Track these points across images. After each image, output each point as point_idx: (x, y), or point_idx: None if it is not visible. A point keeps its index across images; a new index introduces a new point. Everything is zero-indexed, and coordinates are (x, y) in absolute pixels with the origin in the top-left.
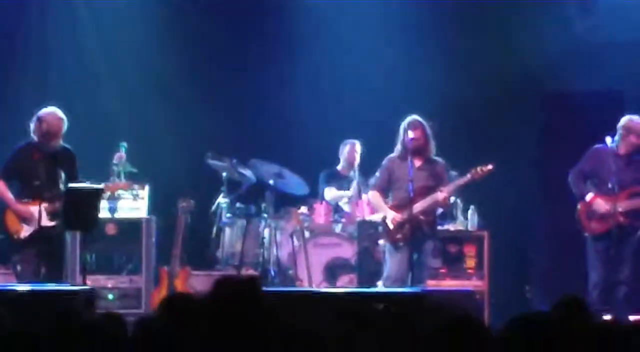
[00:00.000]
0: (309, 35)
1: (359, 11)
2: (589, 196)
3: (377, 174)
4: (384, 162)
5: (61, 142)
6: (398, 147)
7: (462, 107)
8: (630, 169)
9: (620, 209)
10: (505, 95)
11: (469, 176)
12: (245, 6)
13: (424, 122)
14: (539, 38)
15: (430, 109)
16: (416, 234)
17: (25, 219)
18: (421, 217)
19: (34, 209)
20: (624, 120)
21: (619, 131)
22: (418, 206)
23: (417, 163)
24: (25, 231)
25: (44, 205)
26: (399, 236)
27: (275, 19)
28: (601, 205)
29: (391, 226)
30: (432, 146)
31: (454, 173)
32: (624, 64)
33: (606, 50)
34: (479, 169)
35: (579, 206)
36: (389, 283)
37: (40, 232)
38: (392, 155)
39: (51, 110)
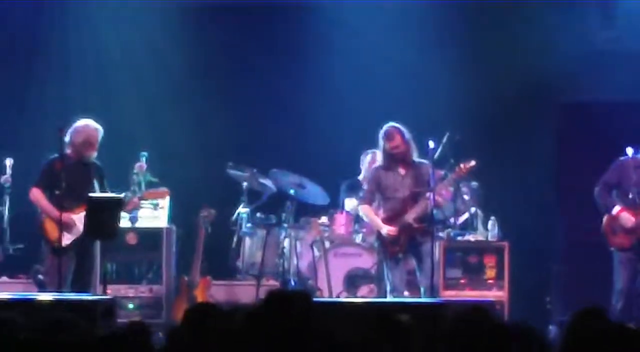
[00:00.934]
0: (330, 43)
1: (377, 16)
2: (615, 210)
3: (364, 186)
4: (369, 173)
5: (96, 153)
6: (379, 156)
7: (480, 117)
8: None
9: None
10: (523, 104)
11: (453, 175)
12: (264, 14)
13: (401, 128)
14: (558, 47)
15: (448, 118)
16: (412, 243)
17: (65, 226)
18: (415, 225)
19: (74, 217)
20: None
21: None
22: (410, 215)
23: (402, 171)
24: (67, 239)
25: (83, 214)
26: (396, 248)
27: (294, 26)
28: (628, 219)
29: (386, 240)
30: (413, 149)
31: (474, 183)
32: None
33: (625, 61)
34: (462, 166)
35: (604, 219)
36: (396, 296)
37: (79, 242)
38: (376, 165)
39: (87, 121)
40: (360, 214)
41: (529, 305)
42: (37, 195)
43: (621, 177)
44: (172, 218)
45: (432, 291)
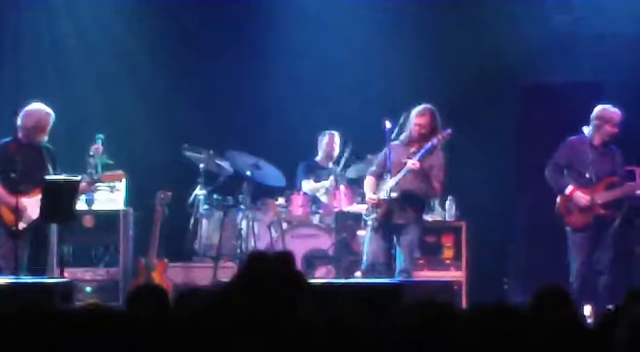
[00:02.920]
0: (286, 25)
1: (338, 6)
2: (568, 189)
3: (377, 159)
4: (385, 148)
5: (46, 137)
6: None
7: (439, 99)
8: (606, 159)
9: (599, 201)
10: (482, 86)
11: (430, 142)
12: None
13: (435, 113)
14: (517, 30)
15: (407, 100)
16: (391, 218)
17: (20, 210)
18: (393, 194)
19: (29, 200)
20: (597, 110)
21: (593, 121)
22: (392, 183)
23: (412, 148)
24: (22, 223)
25: (38, 197)
26: (372, 215)
27: (252, 8)
28: (581, 198)
29: (367, 209)
30: (437, 129)
31: None
32: (603, 55)
33: (584, 42)
34: (439, 135)
35: (558, 199)
36: (365, 269)
37: (33, 226)
38: (394, 141)
39: (38, 106)
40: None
41: (487, 285)
42: None
43: (572, 157)
44: (128, 200)
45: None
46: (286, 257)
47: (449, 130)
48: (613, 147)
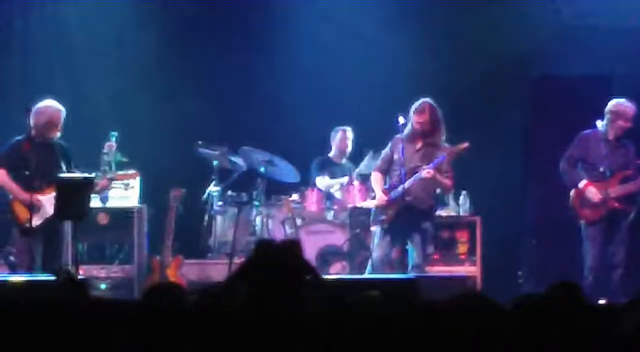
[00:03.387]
0: (299, 20)
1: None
2: (582, 183)
3: (382, 154)
4: (390, 143)
5: (59, 133)
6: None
7: (450, 92)
8: (620, 153)
9: (612, 195)
10: (492, 79)
11: (445, 154)
12: None
13: (433, 106)
14: (527, 23)
15: (417, 93)
16: (402, 218)
17: (33, 207)
18: (407, 198)
19: (43, 198)
20: (611, 104)
21: (607, 115)
22: (405, 186)
23: (417, 145)
24: (36, 220)
25: (53, 195)
26: (382, 217)
27: (265, 4)
28: (594, 193)
29: (377, 208)
30: (441, 130)
31: None
32: (612, 48)
33: (594, 35)
34: (454, 147)
35: (572, 193)
36: (374, 268)
37: (48, 223)
38: (398, 136)
39: (49, 103)
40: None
41: (501, 280)
42: (2, 177)
43: (587, 151)
44: (142, 198)
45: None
46: (293, 244)
47: (466, 144)
48: (626, 141)
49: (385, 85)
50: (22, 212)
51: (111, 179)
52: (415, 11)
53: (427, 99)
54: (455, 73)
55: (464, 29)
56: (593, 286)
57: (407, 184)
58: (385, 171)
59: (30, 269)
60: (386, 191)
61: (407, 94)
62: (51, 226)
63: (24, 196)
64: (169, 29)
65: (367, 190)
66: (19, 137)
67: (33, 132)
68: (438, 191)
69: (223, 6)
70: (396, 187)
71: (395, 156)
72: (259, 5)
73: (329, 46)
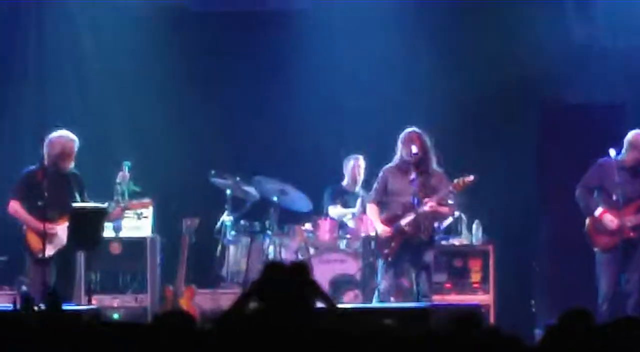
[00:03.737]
0: (312, 46)
1: (358, 16)
2: (598, 211)
3: (375, 185)
4: (381, 173)
5: (73, 163)
6: (396, 159)
7: (462, 118)
8: (636, 182)
9: (629, 224)
10: (504, 104)
11: (450, 187)
12: (246, 19)
13: (422, 135)
14: (539, 46)
15: (431, 120)
16: (406, 249)
17: (46, 237)
18: (406, 229)
19: (56, 227)
20: (630, 134)
21: (625, 144)
22: (404, 220)
23: (412, 175)
24: (50, 250)
25: (66, 225)
26: (386, 251)
27: (276, 30)
28: (610, 221)
29: (379, 240)
30: (432, 157)
31: None
32: (625, 73)
33: (606, 59)
34: (460, 180)
35: (587, 221)
36: (382, 299)
37: (61, 252)
38: (389, 166)
39: (63, 133)
40: (367, 211)
41: (515, 308)
42: (15, 207)
43: (602, 179)
44: (155, 227)
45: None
46: (301, 266)
47: (472, 178)
48: None
49: (398, 112)
50: (35, 242)
51: (125, 208)
52: (427, 35)
53: (414, 128)
54: (467, 98)
55: (477, 51)
56: (608, 314)
57: (408, 218)
58: (380, 203)
59: (43, 299)
60: (386, 223)
61: (419, 118)
62: (64, 255)
63: (38, 225)
64: (182, 57)
65: None
66: (32, 167)
67: (46, 162)
68: (436, 223)
69: (237, 32)
70: (396, 219)
71: (389, 187)
72: (272, 31)
73: (341, 72)
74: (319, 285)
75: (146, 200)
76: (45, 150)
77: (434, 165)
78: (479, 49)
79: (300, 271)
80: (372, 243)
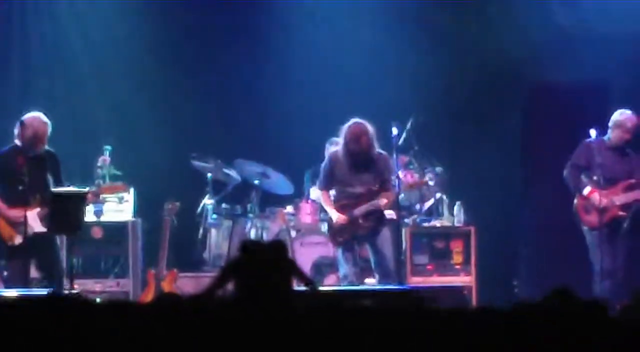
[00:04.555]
0: (292, 32)
1: (345, 5)
2: (586, 190)
3: (322, 171)
4: (327, 160)
5: (46, 146)
6: (339, 148)
7: (445, 100)
8: (623, 161)
9: (617, 203)
10: (488, 87)
11: (405, 187)
12: (227, 4)
13: (367, 127)
14: (523, 29)
15: (413, 101)
16: (358, 236)
17: (17, 224)
18: (360, 221)
19: (27, 213)
20: (615, 114)
21: (611, 124)
22: (360, 210)
23: (360, 167)
24: (19, 238)
25: (37, 210)
26: (340, 239)
27: (259, 15)
28: (599, 199)
29: (333, 229)
30: (375, 146)
31: (439, 169)
32: (609, 55)
33: (590, 42)
34: (417, 180)
35: (576, 200)
36: (346, 283)
37: (33, 238)
38: (334, 152)
39: (36, 115)
40: (317, 196)
41: (497, 289)
42: None
43: (589, 158)
44: (137, 211)
45: (400, 277)
46: (279, 245)
47: (425, 179)
48: (630, 150)
49: (380, 93)
50: (4, 229)
51: (96, 193)
52: (412, 19)
53: (356, 121)
54: (450, 81)
55: (461, 36)
56: (610, 292)
57: (363, 209)
58: (328, 189)
59: (25, 285)
60: (340, 210)
61: (401, 102)
62: (41, 240)
63: (8, 212)
64: (164, 42)
65: None
66: (4, 150)
67: (20, 144)
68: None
69: (219, 17)
70: (347, 209)
71: (338, 176)
72: (254, 15)
73: (323, 55)
74: (297, 264)
75: (119, 183)
76: (17, 131)
77: (376, 149)
78: (463, 33)
79: (278, 249)
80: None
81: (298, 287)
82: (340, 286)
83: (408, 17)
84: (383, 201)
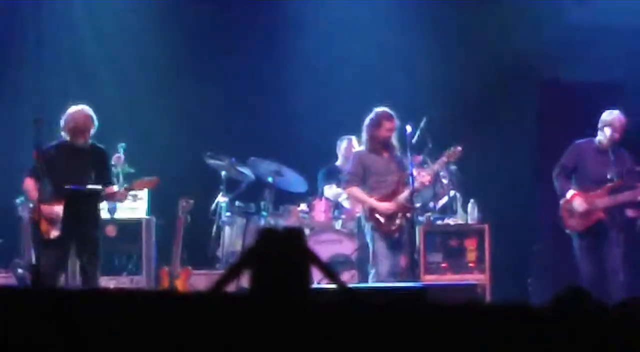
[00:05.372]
0: (306, 30)
1: (357, 2)
2: (569, 193)
3: (350, 169)
4: (354, 157)
5: (89, 140)
6: (355, 143)
7: (459, 98)
8: (611, 163)
9: (600, 205)
10: (502, 85)
11: (444, 158)
12: (244, 2)
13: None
14: (536, 26)
15: (427, 100)
16: (407, 225)
17: (51, 219)
18: (408, 205)
19: (59, 209)
20: (605, 114)
21: (600, 125)
22: (403, 196)
23: (385, 155)
24: (55, 232)
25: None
26: (393, 227)
27: (274, 13)
28: (579, 203)
29: (382, 219)
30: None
31: (453, 167)
32: (623, 53)
33: (604, 39)
34: (451, 151)
35: (561, 203)
36: (383, 278)
37: (71, 233)
38: (358, 149)
39: (78, 108)
40: (347, 196)
41: (511, 287)
42: (27, 186)
43: (578, 160)
44: (151, 209)
45: (414, 276)
46: (297, 232)
47: (459, 148)
48: (620, 150)
49: (394, 92)
50: (42, 223)
51: (129, 189)
52: (426, 17)
53: (385, 108)
54: (464, 79)
55: (474, 33)
56: (613, 291)
57: (407, 193)
58: (360, 185)
59: (54, 282)
60: (384, 199)
61: (415, 101)
62: (82, 236)
63: (41, 206)
64: (179, 41)
65: None
66: (51, 144)
67: (65, 138)
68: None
69: (234, 16)
70: (388, 199)
71: (373, 168)
72: (269, 13)
73: (337, 54)
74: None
75: (152, 178)
76: (62, 123)
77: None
78: (477, 31)
79: (297, 236)
80: (368, 224)
81: (322, 283)
82: (354, 283)
83: (422, 14)
84: (425, 178)
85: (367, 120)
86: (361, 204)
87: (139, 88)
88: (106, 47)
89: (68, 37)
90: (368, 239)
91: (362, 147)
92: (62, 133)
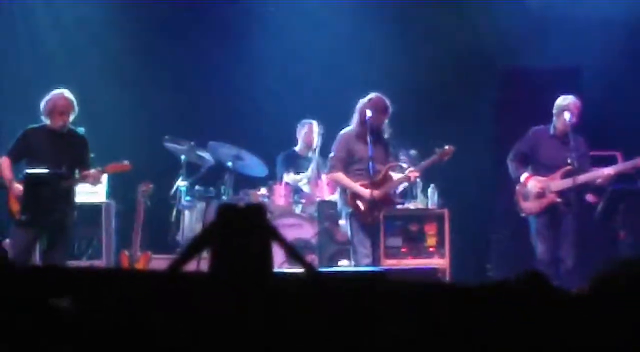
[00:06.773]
0: (264, 17)
1: None
2: (523, 177)
3: (335, 153)
4: (340, 141)
5: (68, 125)
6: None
7: (419, 84)
8: (566, 148)
9: (554, 189)
10: (461, 71)
11: (436, 157)
12: None
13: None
14: (494, 14)
15: (386, 87)
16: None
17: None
18: (392, 199)
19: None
20: (558, 100)
21: (554, 111)
22: (390, 186)
23: (373, 142)
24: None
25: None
26: (373, 215)
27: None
28: (534, 185)
29: (362, 207)
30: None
31: (413, 152)
32: (581, 40)
33: (562, 27)
34: (444, 150)
35: (517, 187)
36: (358, 259)
37: (43, 215)
38: (346, 132)
39: (58, 91)
40: (335, 179)
41: (470, 272)
42: (2, 164)
43: (534, 146)
44: (110, 193)
45: (374, 260)
46: (258, 208)
47: (451, 147)
48: (575, 136)
49: (352, 79)
50: (14, 203)
51: (102, 172)
52: (383, 6)
53: (378, 94)
54: (424, 66)
55: (433, 21)
56: (563, 276)
57: (393, 184)
58: (344, 170)
59: (28, 261)
60: (369, 186)
61: (375, 87)
62: (54, 219)
63: (14, 186)
64: (135, 24)
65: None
66: (32, 126)
67: (46, 121)
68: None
69: (190, 2)
70: (373, 187)
71: (357, 155)
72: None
73: (297, 39)
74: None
75: (125, 162)
76: (42, 107)
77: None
78: (435, 19)
79: (258, 212)
80: (345, 209)
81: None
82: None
83: (380, 4)
84: (412, 175)
85: (360, 103)
86: (346, 188)
87: (96, 72)
88: (61, 31)
89: (23, 23)
90: (347, 225)
91: (350, 129)
92: (42, 117)
